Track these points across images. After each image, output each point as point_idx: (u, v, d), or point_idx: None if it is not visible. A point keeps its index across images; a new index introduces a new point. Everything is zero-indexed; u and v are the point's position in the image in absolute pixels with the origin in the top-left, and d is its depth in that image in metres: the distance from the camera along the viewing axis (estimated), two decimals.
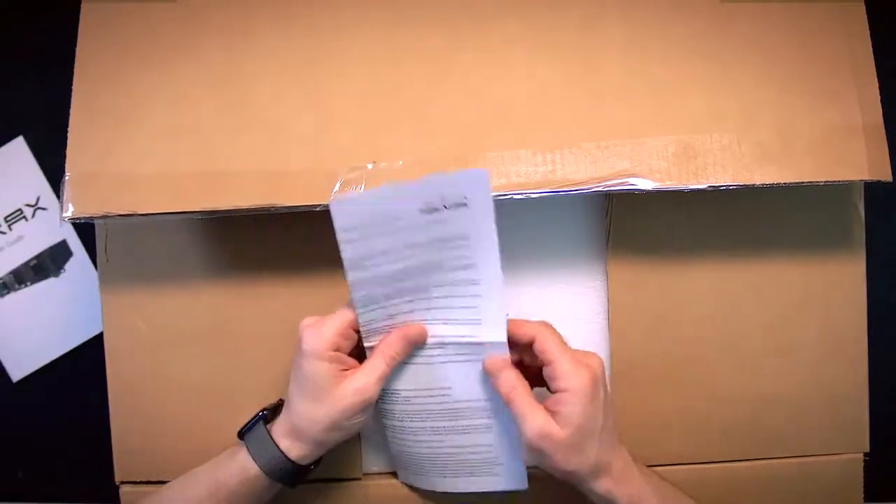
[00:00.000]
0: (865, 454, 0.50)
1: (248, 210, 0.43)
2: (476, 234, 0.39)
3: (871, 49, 0.45)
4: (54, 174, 0.58)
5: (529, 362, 0.43)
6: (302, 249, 0.49)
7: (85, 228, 0.57)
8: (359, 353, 0.44)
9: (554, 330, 0.42)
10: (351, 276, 0.41)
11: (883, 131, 0.43)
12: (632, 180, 0.42)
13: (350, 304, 0.43)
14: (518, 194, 0.42)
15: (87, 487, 0.58)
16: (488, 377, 0.42)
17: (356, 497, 0.50)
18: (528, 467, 0.46)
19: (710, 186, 0.42)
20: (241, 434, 0.44)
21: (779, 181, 0.42)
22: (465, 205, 0.38)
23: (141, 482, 0.50)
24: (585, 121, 0.43)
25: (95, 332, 0.57)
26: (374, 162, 0.43)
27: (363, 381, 0.41)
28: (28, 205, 0.58)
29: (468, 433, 0.45)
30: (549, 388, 0.41)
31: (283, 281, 0.49)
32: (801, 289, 0.49)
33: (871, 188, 0.49)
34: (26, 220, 0.58)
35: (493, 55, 0.45)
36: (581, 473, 0.40)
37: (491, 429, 0.45)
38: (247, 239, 0.50)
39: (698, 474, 0.50)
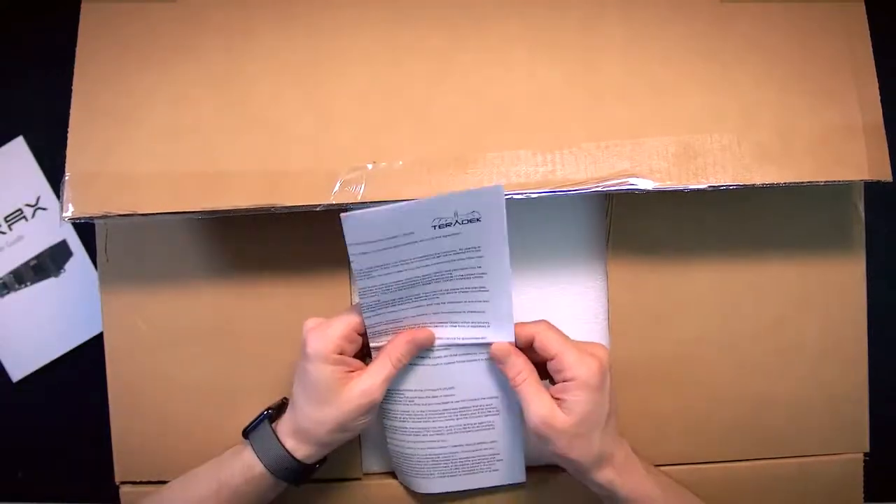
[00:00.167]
0: (865, 454, 0.50)
1: (248, 210, 0.43)
2: (488, 246, 0.39)
3: (871, 49, 0.45)
4: (54, 174, 0.58)
5: (534, 361, 0.43)
6: (302, 249, 0.49)
7: (85, 228, 0.57)
8: (362, 356, 0.44)
9: (551, 326, 0.42)
10: (360, 283, 0.41)
11: (883, 131, 0.43)
12: (632, 180, 0.42)
13: (355, 307, 0.43)
14: (518, 194, 0.42)
15: (87, 487, 0.58)
16: (496, 364, 0.42)
17: (356, 497, 0.50)
18: (527, 463, 0.46)
19: (710, 186, 0.42)
20: (246, 433, 0.44)
21: (779, 181, 0.42)
22: (478, 220, 0.38)
23: (141, 482, 0.50)
24: (585, 121, 0.43)
25: (95, 332, 0.57)
26: (374, 162, 0.43)
27: (369, 382, 0.41)
28: (28, 205, 0.58)
29: (470, 431, 0.45)
30: (554, 382, 0.41)
31: (283, 281, 0.49)
32: (800, 289, 0.49)
33: (871, 188, 0.49)
34: (26, 220, 0.58)
35: (493, 55, 0.45)
36: (584, 462, 0.40)
37: (493, 426, 0.45)
38: (247, 239, 0.50)
39: (698, 474, 0.50)
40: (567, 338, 0.42)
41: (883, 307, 0.51)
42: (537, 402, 0.40)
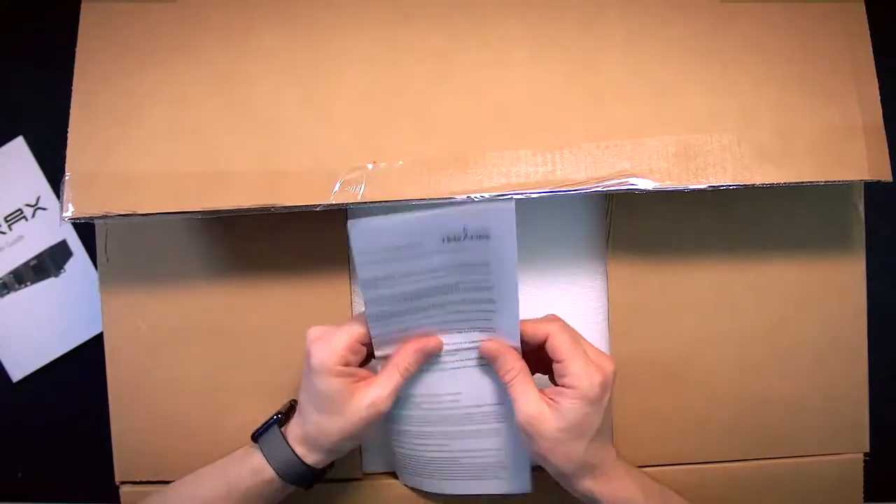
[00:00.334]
0: (865, 454, 0.50)
1: (248, 210, 0.43)
2: (497, 263, 0.39)
3: (871, 49, 0.45)
4: (54, 174, 0.58)
5: (543, 358, 0.43)
6: (302, 249, 0.49)
7: (85, 228, 0.57)
8: (366, 363, 0.44)
9: (566, 327, 0.42)
10: (366, 294, 0.40)
11: (883, 131, 0.43)
12: (632, 180, 0.42)
13: (360, 317, 0.42)
14: (518, 194, 0.42)
15: (87, 487, 0.58)
16: (488, 361, 0.42)
17: (356, 497, 0.50)
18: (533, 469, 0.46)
19: (710, 186, 0.42)
20: (255, 437, 0.44)
21: (779, 181, 0.42)
22: (487, 237, 0.38)
23: (141, 482, 0.50)
24: (585, 121, 0.43)
25: (95, 332, 0.57)
26: (374, 162, 0.43)
27: (378, 393, 0.41)
28: (28, 205, 0.58)
29: (476, 437, 0.45)
30: (555, 382, 0.41)
31: (283, 281, 0.49)
32: (800, 289, 0.49)
33: (871, 188, 0.49)
34: (26, 220, 0.58)
35: (493, 55, 0.45)
36: (564, 469, 0.40)
37: (499, 432, 0.44)
38: (247, 239, 0.50)
39: (698, 474, 0.50)
40: (578, 341, 0.41)
41: (883, 307, 0.51)
42: (525, 400, 0.40)
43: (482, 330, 0.42)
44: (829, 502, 0.50)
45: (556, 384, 0.42)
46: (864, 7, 0.45)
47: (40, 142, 0.58)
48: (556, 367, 0.41)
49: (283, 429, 0.44)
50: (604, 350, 0.49)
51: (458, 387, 0.44)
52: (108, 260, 0.50)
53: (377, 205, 0.42)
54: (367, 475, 0.51)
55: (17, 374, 0.58)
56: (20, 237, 0.58)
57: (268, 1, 0.46)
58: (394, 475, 0.51)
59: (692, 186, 0.42)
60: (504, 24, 0.45)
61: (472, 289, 0.40)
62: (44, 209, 0.58)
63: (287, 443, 0.43)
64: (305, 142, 0.43)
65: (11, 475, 0.59)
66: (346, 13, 0.45)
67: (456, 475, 0.46)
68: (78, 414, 0.58)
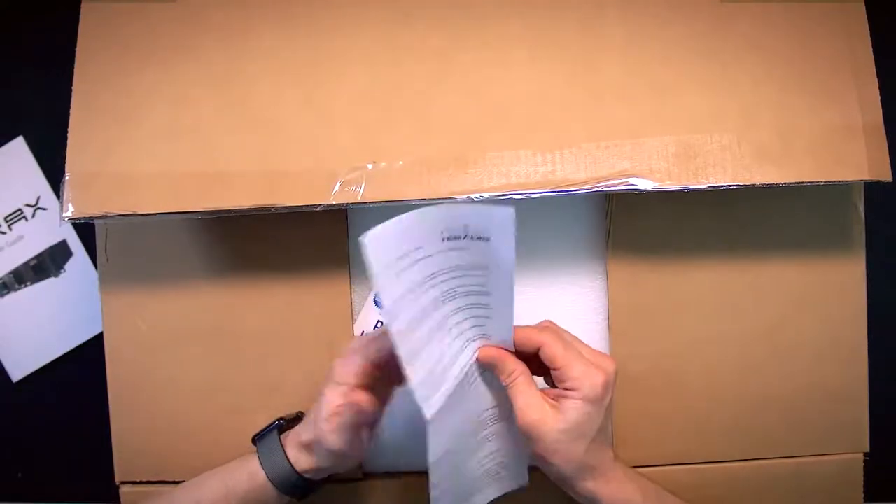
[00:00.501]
0: (865, 454, 0.50)
1: (248, 210, 0.43)
2: (495, 267, 0.38)
3: (871, 49, 0.45)
4: (54, 174, 0.58)
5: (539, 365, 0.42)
6: (302, 249, 0.49)
7: (85, 228, 0.57)
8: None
9: (559, 334, 0.41)
10: (394, 328, 0.37)
11: (883, 131, 0.43)
12: (632, 180, 0.42)
13: (377, 340, 0.41)
14: (518, 194, 0.42)
15: (87, 487, 0.58)
16: (488, 368, 0.42)
17: (356, 497, 0.51)
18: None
19: (709, 186, 0.42)
20: (255, 439, 0.44)
21: (779, 181, 0.42)
22: (487, 239, 0.37)
23: (141, 482, 0.50)
24: (585, 121, 0.43)
25: (95, 332, 0.57)
26: (374, 162, 0.43)
27: (338, 435, 0.41)
28: (28, 205, 0.58)
29: (481, 445, 0.44)
30: (550, 384, 0.41)
31: (283, 281, 0.49)
32: (800, 289, 0.49)
33: (871, 188, 0.49)
34: (26, 220, 0.58)
35: (493, 55, 0.45)
36: (565, 470, 0.40)
37: (498, 433, 0.44)
38: (247, 239, 0.50)
39: (698, 474, 0.50)
40: (572, 346, 0.41)
41: (883, 307, 0.51)
42: (526, 401, 0.39)
43: (476, 339, 0.41)
44: (829, 502, 0.50)
45: (553, 386, 0.41)
46: (864, 7, 0.45)
47: (40, 142, 0.58)
48: (554, 373, 0.40)
49: (282, 435, 0.44)
50: (604, 350, 0.49)
51: (466, 403, 0.42)
52: (108, 260, 0.50)
53: (377, 205, 0.42)
54: (367, 475, 0.51)
55: (17, 374, 0.58)
56: (20, 237, 0.58)
57: (268, 1, 0.46)
58: (394, 475, 0.51)
59: (692, 186, 0.42)
60: (504, 24, 0.45)
61: (468, 294, 0.39)
62: (44, 209, 0.58)
63: (282, 447, 0.43)
64: (305, 142, 0.43)
65: (11, 475, 0.59)
66: (346, 13, 0.45)
67: (466, 490, 0.45)
68: (78, 414, 0.58)
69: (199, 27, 0.45)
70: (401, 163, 0.43)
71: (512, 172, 0.43)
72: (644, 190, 0.42)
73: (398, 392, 0.44)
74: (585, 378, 0.39)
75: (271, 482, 0.42)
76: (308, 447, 0.43)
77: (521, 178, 0.43)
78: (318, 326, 0.49)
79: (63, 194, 0.43)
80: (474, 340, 0.41)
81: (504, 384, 0.41)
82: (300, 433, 0.43)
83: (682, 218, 0.49)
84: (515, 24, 0.45)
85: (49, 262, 0.58)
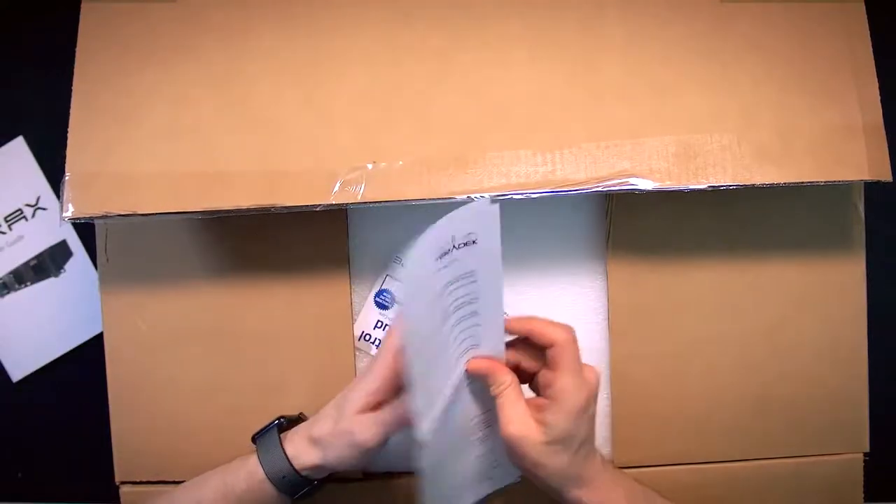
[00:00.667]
0: (865, 454, 0.50)
1: (248, 210, 0.43)
2: (483, 271, 0.38)
3: (871, 49, 0.45)
4: (54, 174, 0.58)
5: (527, 364, 0.42)
6: (302, 249, 0.49)
7: (85, 228, 0.57)
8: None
9: (576, 343, 0.40)
10: (415, 370, 0.37)
11: (883, 131, 0.43)
12: (632, 180, 0.42)
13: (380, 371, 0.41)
14: (518, 194, 0.42)
15: (87, 487, 0.58)
16: (478, 378, 0.41)
17: (356, 497, 0.50)
18: None
19: (709, 186, 0.42)
20: (255, 438, 0.44)
21: (779, 181, 0.42)
22: (474, 242, 0.37)
23: (141, 482, 0.50)
24: (585, 121, 0.43)
25: (95, 332, 0.57)
26: (374, 162, 0.43)
27: (373, 430, 0.41)
28: (28, 205, 0.58)
29: (472, 448, 0.44)
30: (537, 389, 0.41)
31: (283, 281, 0.49)
32: (800, 289, 0.49)
33: (871, 188, 0.49)
34: (26, 220, 0.58)
35: (493, 55, 0.45)
36: (551, 481, 0.40)
37: (490, 435, 0.44)
38: (247, 239, 0.50)
39: (698, 474, 0.50)
40: (579, 361, 0.40)
41: (883, 307, 0.51)
42: (512, 414, 0.39)
43: (468, 349, 0.41)
44: (829, 502, 0.50)
45: (536, 391, 0.41)
46: (864, 7, 0.45)
47: (40, 142, 0.58)
48: (545, 373, 0.40)
49: (283, 434, 0.44)
50: (604, 350, 0.50)
51: (457, 413, 0.42)
52: (108, 260, 0.50)
53: (377, 205, 0.42)
54: (367, 475, 0.51)
55: (17, 374, 0.58)
56: (20, 237, 0.58)
57: (268, 1, 0.46)
58: (394, 475, 0.51)
59: (692, 186, 0.42)
60: (504, 24, 0.45)
61: (459, 306, 0.39)
62: (44, 209, 0.58)
63: (281, 445, 0.43)
64: (305, 142, 0.43)
65: (11, 475, 0.59)
66: (346, 13, 0.45)
67: (458, 490, 0.45)
68: (78, 414, 0.58)
69: (199, 27, 0.45)
70: (401, 163, 0.43)
71: (512, 172, 0.43)
72: (644, 190, 0.42)
73: None
74: (574, 391, 0.39)
75: (269, 480, 0.42)
76: (318, 442, 0.42)
77: (521, 178, 0.43)
78: (318, 326, 0.49)
79: (63, 194, 0.43)
80: (466, 352, 0.41)
81: (493, 394, 0.40)
82: (311, 427, 0.43)
83: (682, 218, 0.49)
84: (515, 24, 0.45)
85: (49, 262, 0.58)
